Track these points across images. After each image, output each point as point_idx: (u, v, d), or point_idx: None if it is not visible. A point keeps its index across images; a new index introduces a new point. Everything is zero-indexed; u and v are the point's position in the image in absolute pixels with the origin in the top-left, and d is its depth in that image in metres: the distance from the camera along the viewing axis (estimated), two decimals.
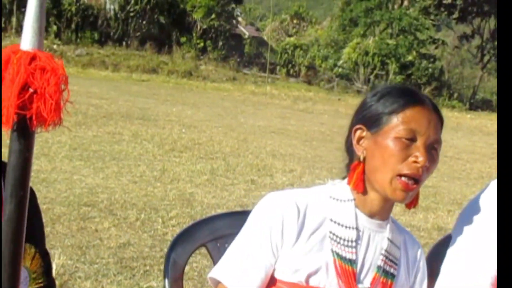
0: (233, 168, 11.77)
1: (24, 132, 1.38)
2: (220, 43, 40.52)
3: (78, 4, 36.16)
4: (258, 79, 37.29)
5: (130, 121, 15.96)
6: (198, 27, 38.97)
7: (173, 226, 7.77)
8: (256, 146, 14.35)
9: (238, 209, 8.62)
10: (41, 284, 1.61)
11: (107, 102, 19.36)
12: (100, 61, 32.40)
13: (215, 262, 2.11)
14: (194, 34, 37.87)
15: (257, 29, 60.46)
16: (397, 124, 1.91)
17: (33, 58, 1.35)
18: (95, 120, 15.33)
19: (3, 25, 36.32)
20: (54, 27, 35.71)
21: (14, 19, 36.18)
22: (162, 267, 6.45)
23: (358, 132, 2.00)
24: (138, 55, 34.11)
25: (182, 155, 12.40)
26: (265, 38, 53.42)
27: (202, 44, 39.24)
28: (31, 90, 1.33)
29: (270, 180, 11.04)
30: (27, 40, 1.36)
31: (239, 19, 51.55)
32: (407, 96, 1.96)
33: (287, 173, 11.78)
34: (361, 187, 1.96)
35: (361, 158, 1.98)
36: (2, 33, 35.04)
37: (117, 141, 12.92)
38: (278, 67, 46.05)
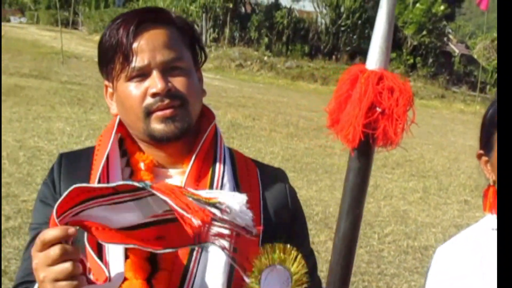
0: (445, 187, 11.52)
1: (365, 151, 1.38)
2: (430, 60, 39.82)
3: (290, 17, 36.81)
4: (467, 98, 36.27)
5: None
6: (409, 43, 38.53)
7: (389, 243, 7.70)
8: (467, 166, 13.92)
9: (453, 229, 8.41)
10: (305, 285, 1.61)
11: (317, 115, 19.50)
12: (310, 74, 32.74)
13: None
14: (404, 50, 37.47)
15: (467, 47, 58.84)
16: None
17: (380, 78, 1.35)
18: (307, 133, 15.49)
19: (215, 35, 37.71)
20: (266, 39, 36.60)
21: (227, 30, 37.50)
22: (380, 283, 6.41)
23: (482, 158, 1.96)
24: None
25: (394, 172, 12.29)
26: (475, 56, 51.91)
27: (411, 60, 38.76)
28: (378, 109, 1.33)
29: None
30: (374, 60, 1.36)
31: (450, 36, 50.44)
32: None
33: None
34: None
35: (491, 182, 1.91)
36: (215, 44, 36.38)
37: (329, 154, 12.99)
38: (488, 86, 44.57)
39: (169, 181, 1.80)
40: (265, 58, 33.94)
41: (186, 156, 1.81)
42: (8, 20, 68.52)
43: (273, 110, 19.14)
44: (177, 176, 1.81)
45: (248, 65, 33.09)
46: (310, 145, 13.81)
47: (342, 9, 37.04)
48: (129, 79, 1.74)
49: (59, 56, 25.28)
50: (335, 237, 1.39)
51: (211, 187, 1.75)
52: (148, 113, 1.73)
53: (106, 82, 1.84)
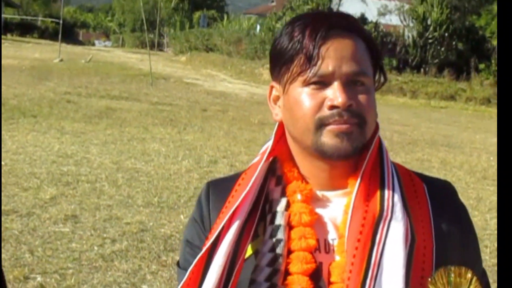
0: None
1: None
2: None
3: (377, 31, 36.46)
4: None
5: (435, 147, 15.65)
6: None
7: None
8: None
9: None
10: None
11: (409, 128, 19.19)
12: (398, 88, 32.33)
13: None
14: (492, 61, 36.55)
15: None
16: None
17: None
18: (402, 146, 15.23)
19: None
20: None
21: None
22: None
23: None
24: (436, 82, 33.56)
25: (495, 184, 11.86)
26: None
27: None
28: None
29: None
30: None
31: None
32: None
33: None
34: None
35: None
36: None
37: (427, 168, 12.72)
38: None
39: (330, 205, 1.65)
40: None
41: (350, 175, 1.64)
42: (93, 44, 70.38)
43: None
44: (339, 199, 1.65)
45: None
46: (407, 159, 13.49)
47: (429, 22, 36.49)
48: (307, 84, 1.57)
49: (148, 78, 25.60)
50: None
51: (381, 207, 1.58)
52: (321, 125, 1.56)
53: (274, 83, 1.69)
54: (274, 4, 61.19)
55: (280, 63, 1.63)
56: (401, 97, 31.74)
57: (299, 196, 1.64)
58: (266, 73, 33.45)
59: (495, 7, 37.92)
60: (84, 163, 9.98)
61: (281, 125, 1.72)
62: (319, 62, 1.55)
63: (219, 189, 1.74)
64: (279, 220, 1.61)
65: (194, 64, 43.16)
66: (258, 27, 48.86)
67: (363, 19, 37.93)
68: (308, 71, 1.56)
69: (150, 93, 21.60)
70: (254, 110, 19.56)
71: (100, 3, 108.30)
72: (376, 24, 37.36)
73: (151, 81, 24.80)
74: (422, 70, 35.84)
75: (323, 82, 1.56)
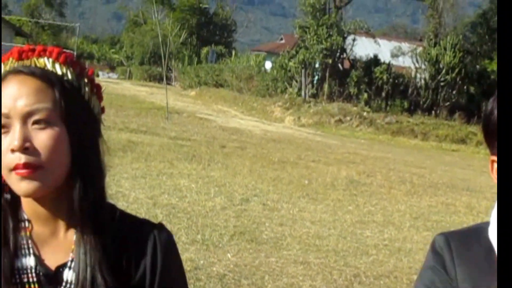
0: None
1: None
2: None
3: (389, 73, 36.66)
4: None
5: (457, 192, 15.64)
6: None
7: None
8: None
9: None
10: None
11: (426, 171, 19.19)
12: (410, 130, 32.44)
13: None
14: None
15: None
16: None
17: None
18: (424, 190, 15.20)
19: (314, 91, 37.83)
20: (365, 95, 36.51)
21: (326, 86, 37.58)
22: None
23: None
24: (447, 124, 33.71)
25: None
26: None
27: None
28: None
29: None
30: None
31: None
32: None
33: None
34: None
35: None
36: (314, 99, 36.45)
37: (454, 212, 12.71)
38: None
39: None
40: (365, 113, 33.78)
41: None
42: (97, 75, 70.64)
43: (383, 167, 18.87)
44: None
45: (348, 120, 32.99)
46: (432, 203, 13.49)
47: (441, 65, 36.72)
48: None
49: (161, 112, 25.64)
50: None
51: None
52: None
53: None
54: (283, 42, 61.57)
55: None
56: (412, 138, 31.82)
57: None
58: (277, 111, 33.56)
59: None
60: (120, 198, 9.96)
61: None
62: None
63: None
64: None
65: (204, 99, 43.32)
66: (268, 64, 49.06)
67: (375, 60, 38.17)
68: None
69: (168, 128, 21.65)
70: (271, 148, 19.60)
71: (104, 35, 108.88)
72: (389, 66, 37.58)
73: (167, 115, 24.87)
74: (433, 112, 36.02)
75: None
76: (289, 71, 38.87)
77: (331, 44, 36.75)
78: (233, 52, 66.24)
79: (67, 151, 1.54)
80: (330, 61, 37.38)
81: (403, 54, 40.08)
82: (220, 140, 20.07)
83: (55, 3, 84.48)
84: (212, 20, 76.66)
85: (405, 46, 42.50)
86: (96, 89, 1.67)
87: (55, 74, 1.57)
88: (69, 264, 1.59)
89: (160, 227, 1.69)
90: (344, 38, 38.39)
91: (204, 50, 68.36)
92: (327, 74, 37.50)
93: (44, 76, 1.55)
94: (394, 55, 40.46)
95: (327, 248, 8.87)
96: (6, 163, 1.49)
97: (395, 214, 11.80)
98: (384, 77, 36.46)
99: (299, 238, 9.19)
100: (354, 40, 39.32)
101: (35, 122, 1.51)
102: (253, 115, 34.49)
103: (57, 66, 1.58)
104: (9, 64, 1.57)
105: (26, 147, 1.48)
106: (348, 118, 33.07)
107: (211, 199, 10.85)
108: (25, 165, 1.48)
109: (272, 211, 10.77)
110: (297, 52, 38.77)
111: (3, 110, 1.50)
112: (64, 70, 1.58)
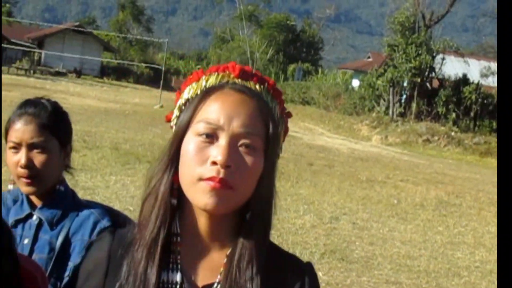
0: None
1: None
2: None
3: (478, 92, 36.11)
4: None
5: None
6: None
7: None
8: None
9: None
10: None
11: None
12: None
13: None
14: None
15: None
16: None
17: None
18: None
19: (402, 110, 37.51)
20: (453, 114, 36.03)
21: (414, 105, 37.22)
22: None
23: None
24: None
25: None
26: None
27: None
28: None
29: None
30: None
31: None
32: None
33: None
34: None
35: None
36: (402, 118, 36.14)
37: None
38: None
39: None
40: (452, 133, 33.32)
41: None
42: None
43: (472, 188, 18.64)
44: None
45: (435, 140, 32.58)
46: None
47: None
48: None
49: None
50: None
51: None
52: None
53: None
54: (370, 60, 61.34)
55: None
56: None
57: None
58: (364, 129, 33.42)
59: None
60: None
61: None
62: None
63: None
64: None
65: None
66: (355, 82, 48.92)
67: (464, 80, 37.64)
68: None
69: None
70: (359, 166, 19.56)
71: (191, 51, 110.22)
72: (477, 85, 37.01)
73: None
74: None
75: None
76: (377, 89, 38.64)
77: (420, 63, 36.42)
78: (320, 70, 66.30)
79: (257, 179, 1.60)
80: (419, 80, 37.05)
81: (493, 74, 39.36)
82: (307, 158, 20.14)
83: (143, 19, 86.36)
84: (299, 38, 77.02)
85: (494, 65, 41.76)
86: (285, 125, 1.73)
87: (268, 105, 1.64)
88: (215, 285, 1.61)
89: (310, 267, 1.72)
90: (433, 57, 37.96)
91: (291, 67, 68.66)
92: (415, 93, 37.15)
93: (261, 103, 1.61)
94: (483, 75, 39.82)
95: (419, 268, 8.86)
96: (199, 172, 1.55)
97: (485, 236, 11.68)
98: (473, 97, 35.92)
99: (390, 258, 9.20)
100: (443, 59, 38.88)
101: (244, 145, 1.56)
102: (339, 133, 34.43)
103: (269, 97, 1.66)
104: (226, 77, 1.65)
105: (228, 165, 1.53)
106: (435, 137, 32.66)
107: (301, 217, 10.94)
108: (221, 181, 1.52)
109: (362, 230, 10.79)
110: (385, 70, 38.57)
111: (215, 120, 1.57)
112: (274, 105, 1.66)
